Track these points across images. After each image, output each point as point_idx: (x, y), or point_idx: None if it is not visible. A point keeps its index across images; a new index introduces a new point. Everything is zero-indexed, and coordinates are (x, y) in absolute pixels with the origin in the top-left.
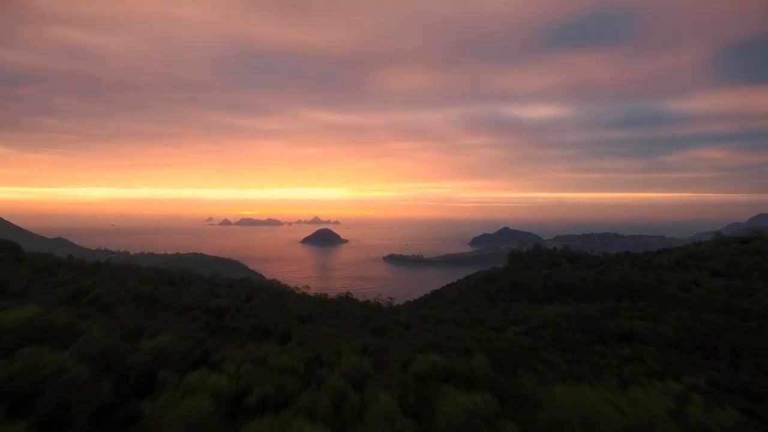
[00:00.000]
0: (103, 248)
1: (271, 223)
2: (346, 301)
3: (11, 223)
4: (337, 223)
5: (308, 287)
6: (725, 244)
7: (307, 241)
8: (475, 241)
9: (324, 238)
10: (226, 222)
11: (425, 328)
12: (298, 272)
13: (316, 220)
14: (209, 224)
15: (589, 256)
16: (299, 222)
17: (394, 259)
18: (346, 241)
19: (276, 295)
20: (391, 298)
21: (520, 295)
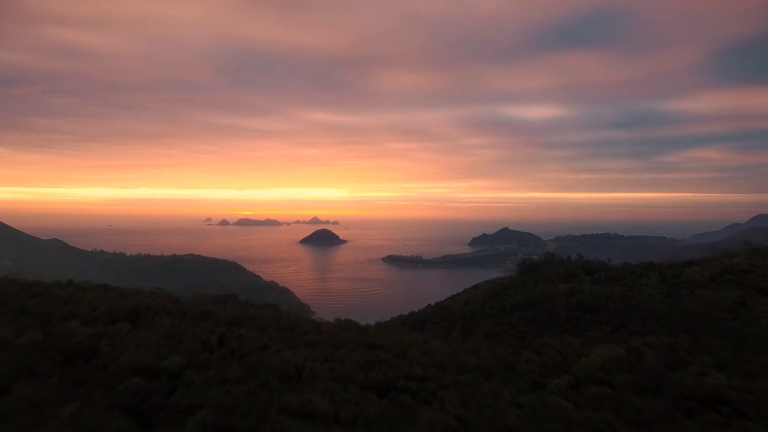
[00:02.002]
0: (98, 249)
1: (270, 223)
2: (344, 329)
3: (5, 224)
4: (335, 223)
5: (309, 312)
6: (762, 255)
7: (305, 241)
8: (475, 242)
9: (323, 238)
10: (224, 222)
11: (445, 383)
12: (297, 274)
13: (314, 221)
14: (207, 224)
15: (608, 267)
16: (298, 222)
17: (393, 260)
18: (344, 241)
19: (261, 325)
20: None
21: (539, 314)
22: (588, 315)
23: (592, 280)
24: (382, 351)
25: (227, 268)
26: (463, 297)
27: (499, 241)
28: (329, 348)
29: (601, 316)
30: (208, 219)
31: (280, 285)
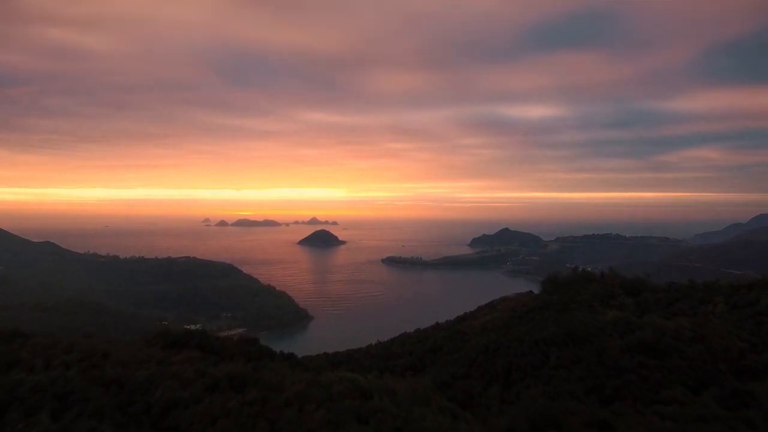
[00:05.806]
0: (92, 252)
1: (268, 223)
2: (338, 398)
3: None
4: (335, 223)
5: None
6: None
7: (304, 242)
8: (475, 242)
9: (322, 239)
10: (222, 223)
11: None
12: (295, 276)
13: (313, 221)
14: (206, 225)
15: (653, 287)
16: (296, 222)
17: (393, 261)
18: (344, 242)
19: (213, 409)
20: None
21: (585, 355)
22: (654, 361)
23: (637, 304)
24: None
25: (224, 271)
26: (479, 320)
27: (499, 242)
28: None
29: (673, 362)
30: (207, 219)
31: (277, 289)
